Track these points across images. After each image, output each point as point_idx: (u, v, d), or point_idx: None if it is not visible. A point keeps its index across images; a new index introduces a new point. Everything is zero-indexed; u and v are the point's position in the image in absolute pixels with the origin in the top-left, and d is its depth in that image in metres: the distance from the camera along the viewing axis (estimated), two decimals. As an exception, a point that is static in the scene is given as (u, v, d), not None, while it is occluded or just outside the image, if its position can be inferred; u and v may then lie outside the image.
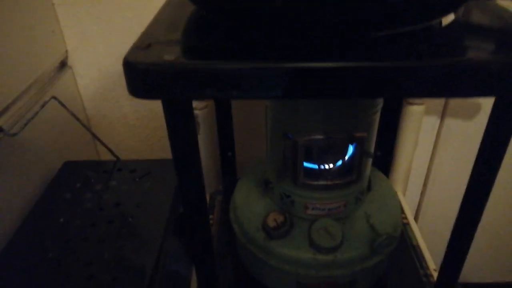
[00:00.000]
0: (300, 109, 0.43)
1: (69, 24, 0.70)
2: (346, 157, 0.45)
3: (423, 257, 0.64)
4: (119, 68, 0.76)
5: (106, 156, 0.80)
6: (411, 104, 0.69)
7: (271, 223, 0.50)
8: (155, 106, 0.80)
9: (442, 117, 0.81)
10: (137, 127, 0.83)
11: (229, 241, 0.63)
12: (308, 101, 0.42)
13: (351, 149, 0.45)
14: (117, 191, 0.63)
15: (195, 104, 0.68)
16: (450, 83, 0.27)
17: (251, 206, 0.54)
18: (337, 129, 0.43)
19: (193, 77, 0.27)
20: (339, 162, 0.46)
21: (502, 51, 0.28)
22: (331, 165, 0.46)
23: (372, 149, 0.47)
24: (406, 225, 0.70)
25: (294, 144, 0.44)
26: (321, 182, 0.47)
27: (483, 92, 0.28)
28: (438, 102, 0.78)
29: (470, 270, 1.06)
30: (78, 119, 0.64)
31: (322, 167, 0.46)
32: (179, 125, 0.31)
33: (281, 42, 0.29)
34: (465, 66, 0.27)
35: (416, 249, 0.65)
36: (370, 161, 0.49)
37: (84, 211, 0.59)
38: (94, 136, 0.67)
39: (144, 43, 0.30)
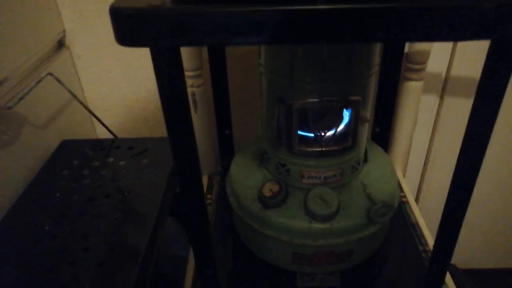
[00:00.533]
0: (295, 72, 0.42)
1: (66, 3, 0.70)
2: (341, 122, 0.45)
3: (422, 234, 0.64)
4: (117, 49, 0.77)
5: (104, 136, 0.80)
6: (409, 80, 0.68)
7: (266, 192, 0.49)
8: (154, 87, 0.80)
9: (441, 96, 0.80)
10: (136, 109, 0.83)
11: (226, 220, 0.63)
12: (303, 62, 0.41)
13: (346, 114, 0.45)
14: (114, 168, 0.63)
15: (191, 81, 0.68)
16: (443, 25, 0.27)
17: (247, 179, 0.53)
18: (332, 92, 0.43)
19: (180, 22, 0.27)
20: (334, 128, 0.45)
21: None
22: (326, 131, 0.45)
23: (367, 115, 0.47)
24: (405, 203, 0.70)
25: (288, 108, 0.44)
26: (316, 149, 0.46)
27: (477, 35, 0.27)
28: (437, 80, 0.78)
29: (467, 256, 1.06)
30: (74, 95, 0.64)
31: (317, 132, 0.45)
32: (168, 75, 0.31)
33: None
34: (459, 7, 0.26)
35: (415, 226, 0.65)
36: (366, 128, 0.48)
37: (81, 187, 0.60)
38: (91, 113, 0.67)
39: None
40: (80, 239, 0.51)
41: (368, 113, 0.47)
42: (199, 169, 0.40)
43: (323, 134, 0.45)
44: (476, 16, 0.27)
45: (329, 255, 0.50)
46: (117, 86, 0.80)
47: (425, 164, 0.88)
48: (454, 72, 0.77)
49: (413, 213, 0.68)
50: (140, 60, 0.78)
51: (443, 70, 0.77)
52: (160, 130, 0.84)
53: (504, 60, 0.30)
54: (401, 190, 0.73)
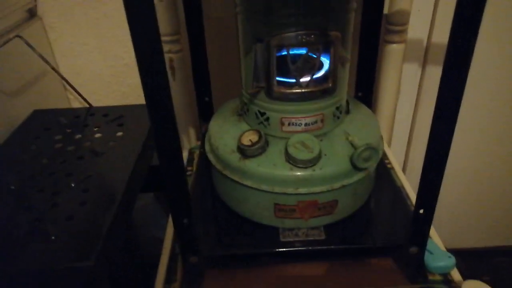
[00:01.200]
0: (272, 5, 0.41)
1: (37, -31, 0.68)
2: (320, 62, 0.43)
3: (408, 196, 0.62)
4: (92, 19, 0.74)
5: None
6: (390, 43, 0.67)
7: (245, 141, 0.47)
8: (132, 61, 0.78)
9: (424, 65, 0.80)
10: (113, 84, 0.81)
11: (207, 187, 0.60)
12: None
13: (325, 53, 0.43)
14: (88, 133, 0.60)
15: (169, 47, 0.66)
16: None
17: (226, 132, 0.51)
18: (310, 26, 0.41)
19: None
20: (314, 66, 0.43)
21: None
22: (305, 70, 0.44)
23: (348, 55, 0.45)
24: (391, 169, 0.68)
25: (266, 46, 0.42)
26: (296, 90, 0.45)
27: None
28: (419, 47, 0.77)
29: (452, 236, 1.05)
30: (45, 61, 0.62)
31: (296, 72, 0.44)
32: (143, 25, 0.30)
33: None
34: None
35: (401, 189, 0.63)
36: (346, 70, 0.47)
37: (53, 150, 0.57)
38: (64, 79, 0.64)
39: None
40: (49, 196, 0.48)
41: (348, 53, 0.46)
42: (177, 132, 0.38)
43: (302, 74, 0.44)
44: None
45: (312, 206, 0.48)
46: (92, 60, 0.78)
47: (410, 137, 0.87)
48: (436, 39, 0.77)
49: (398, 178, 0.66)
50: (116, 32, 0.75)
51: (424, 36, 0.77)
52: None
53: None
54: (386, 157, 0.71)
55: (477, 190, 0.99)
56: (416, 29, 0.75)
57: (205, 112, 0.70)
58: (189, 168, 0.72)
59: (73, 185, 0.50)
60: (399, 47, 0.68)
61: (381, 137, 0.53)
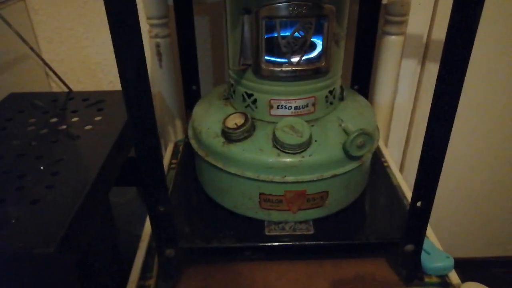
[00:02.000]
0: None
1: None
2: (313, 36, 0.40)
3: (404, 195, 0.59)
4: (79, 2, 0.71)
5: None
6: (389, 34, 0.64)
7: (230, 124, 0.44)
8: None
9: (423, 62, 0.77)
10: (99, 72, 0.77)
11: (191, 179, 0.57)
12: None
13: (318, 28, 0.40)
14: (65, 116, 0.57)
15: (156, 31, 0.62)
16: None
17: (210, 116, 0.48)
18: (302, -3, 0.38)
19: None
20: (305, 41, 0.40)
21: None
22: (296, 45, 0.40)
23: (343, 33, 0.42)
24: (387, 168, 0.65)
25: (255, 17, 0.39)
26: (286, 68, 0.41)
27: None
28: (418, 44, 0.74)
29: (450, 246, 1.01)
30: (24, 40, 0.58)
31: (286, 47, 0.40)
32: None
33: None
34: None
35: (397, 188, 0.60)
36: (341, 49, 0.44)
37: (26, 132, 0.53)
38: (44, 61, 0.61)
39: None
40: (15, 179, 0.44)
41: (343, 30, 0.42)
42: (154, 118, 0.35)
43: (292, 50, 0.40)
44: None
45: (301, 197, 0.44)
46: (78, 46, 0.74)
47: (408, 136, 0.83)
48: (436, 36, 0.74)
49: (395, 176, 0.63)
50: (103, 17, 0.72)
51: (424, 33, 0.74)
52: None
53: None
54: (383, 156, 0.68)
55: (475, 200, 0.96)
56: (416, 24, 0.72)
57: (192, 102, 0.66)
58: (173, 161, 0.68)
59: (42, 167, 0.46)
60: (398, 39, 0.65)
61: (377, 128, 0.50)
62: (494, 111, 0.83)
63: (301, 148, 0.42)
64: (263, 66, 0.41)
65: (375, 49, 0.64)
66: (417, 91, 0.80)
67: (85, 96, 0.61)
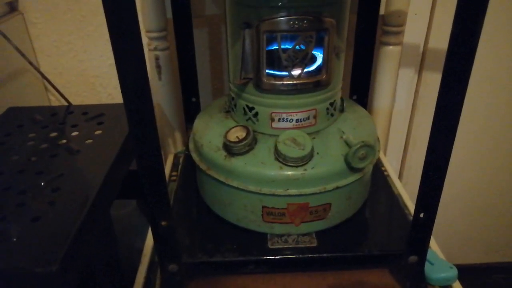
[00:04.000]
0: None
1: (19, -39, 0.65)
2: (313, 49, 0.40)
3: (405, 205, 0.59)
4: (77, 16, 0.71)
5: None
6: (387, 44, 0.65)
7: (232, 138, 0.44)
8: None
9: (420, 71, 0.77)
10: (98, 85, 0.77)
11: (192, 192, 0.56)
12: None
13: (318, 41, 0.40)
14: (65, 130, 0.56)
15: (155, 44, 0.63)
16: None
17: (211, 129, 0.48)
18: (302, 10, 0.38)
19: None
20: (306, 55, 0.40)
21: None
22: (297, 58, 0.40)
23: (343, 45, 0.42)
24: (387, 177, 0.65)
25: (256, 32, 0.39)
26: (287, 82, 0.41)
27: None
28: (415, 53, 0.75)
29: (449, 252, 1.01)
30: (22, 54, 0.58)
31: (287, 61, 0.40)
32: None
33: None
34: None
35: (398, 197, 0.60)
36: (341, 62, 0.44)
37: (26, 147, 0.52)
38: (43, 75, 0.60)
39: None
40: (15, 195, 0.44)
41: (343, 43, 0.43)
42: (156, 132, 0.35)
43: (293, 63, 0.40)
44: None
45: (304, 210, 0.44)
46: (76, 59, 0.74)
47: (406, 145, 0.84)
48: (432, 44, 0.74)
49: (395, 186, 0.63)
50: (103, 30, 0.72)
51: (420, 42, 0.74)
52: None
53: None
54: (383, 165, 0.68)
55: (475, 207, 0.96)
56: (413, 34, 0.73)
57: (191, 114, 0.66)
58: (174, 173, 0.68)
59: (42, 183, 0.45)
60: (395, 49, 0.65)
61: (378, 138, 0.50)
62: (494, 118, 0.83)
63: (303, 161, 0.42)
64: (264, 79, 0.42)
65: (373, 59, 0.64)
66: (415, 99, 0.80)
67: (85, 110, 0.61)
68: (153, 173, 0.37)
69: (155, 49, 0.63)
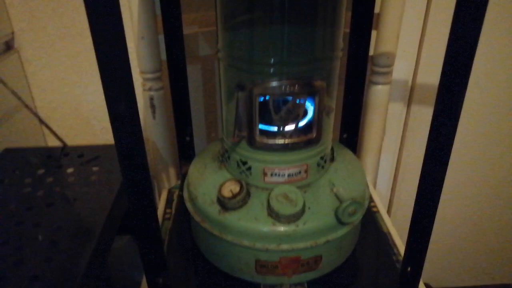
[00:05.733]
0: (254, 53, 0.39)
1: (15, 2, 0.66)
2: (305, 111, 0.42)
3: (394, 244, 0.60)
4: (71, 52, 0.72)
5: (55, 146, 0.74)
6: (376, 84, 0.67)
7: (226, 193, 0.45)
8: (111, 96, 0.75)
9: (408, 104, 0.79)
10: (92, 119, 0.78)
11: (186, 234, 0.58)
12: (263, 42, 0.38)
13: (309, 102, 0.42)
14: (61, 175, 0.57)
15: (150, 84, 0.64)
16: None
17: (205, 180, 0.49)
18: (294, 75, 0.39)
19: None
20: (297, 117, 0.42)
21: None
22: (289, 120, 0.42)
23: (333, 104, 0.44)
24: (376, 213, 0.67)
25: (249, 95, 0.40)
26: (279, 141, 0.43)
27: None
28: (403, 89, 0.77)
29: (441, 275, 1.03)
30: (19, 98, 0.59)
31: (279, 122, 0.42)
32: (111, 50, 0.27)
33: None
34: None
35: (387, 236, 0.61)
36: (331, 119, 0.45)
37: (22, 195, 0.53)
38: (37, 116, 0.61)
39: None
40: (13, 251, 0.45)
41: (333, 102, 0.44)
42: (149, 177, 0.36)
43: (285, 124, 0.42)
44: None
45: (295, 263, 0.45)
46: (70, 94, 0.75)
47: (395, 176, 0.86)
48: (420, 79, 0.76)
49: (384, 222, 0.65)
50: (96, 66, 0.73)
51: (409, 77, 0.76)
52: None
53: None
54: (372, 199, 0.69)
55: (465, 228, 0.98)
56: (401, 70, 0.75)
57: (185, 152, 0.67)
58: (168, 210, 0.69)
59: (40, 237, 0.46)
60: (384, 88, 0.67)
61: (367, 186, 0.51)
62: (483, 150, 0.86)
63: (295, 217, 0.43)
64: (257, 138, 0.43)
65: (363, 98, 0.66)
66: (404, 131, 0.82)
67: (80, 152, 0.62)
68: (149, 237, 0.38)
69: (150, 89, 0.64)
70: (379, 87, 0.67)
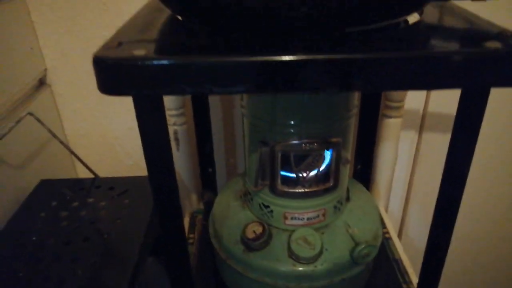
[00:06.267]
0: (276, 115, 0.43)
1: (48, 42, 0.71)
2: (323, 164, 0.45)
3: (405, 271, 0.64)
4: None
5: (84, 175, 0.78)
6: (388, 117, 0.70)
7: (249, 234, 0.49)
8: (135, 124, 0.79)
9: (420, 131, 0.82)
10: (116, 146, 0.82)
11: (209, 259, 0.62)
12: (284, 106, 0.42)
13: (327, 154, 0.45)
14: (94, 209, 0.62)
15: (174, 120, 0.68)
16: (417, 75, 0.28)
17: (230, 219, 0.53)
18: (313, 134, 0.43)
19: (163, 71, 0.27)
20: (316, 169, 0.45)
21: (465, 45, 0.29)
22: (308, 172, 0.45)
23: (348, 156, 0.47)
24: (389, 239, 0.70)
25: (271, 151, 0.44)
26: (299, 190, 0.46)
27: (449, 84, 0.28)
28: (415, 116, 0.80)
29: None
30: (54, 135, 0.63)
31: (299, 174, 0.45)
32: (151, 123, 0.31)
33: (255, 38, 0.30)
34: (431, 58, 0.27)
35: (398, 263, 0.65)
36: (347, 168, 0.49)
37: (59, 229, 0.58)
38: (72, 152, 0.66)
39: (115, 42, 0.30)
40: (55, 286, 0.49)
41: (349, 153, 0.48)
42: (180, 211, 0.40)
43: (305, 175, 0.45)
44: (448, 66, 0.28)
45: (314, 298, 0.49)
46: (97, 123, 0.80)
47: (407, 200, 0.89)
48: (431, 108, 0.79)
49: (396, 249, 0.68)
50: (121, 99, 0.77)
51: (420, 107, 0.79)
52: (141, 167, 0.83)
53: (475, 105, 0.32)
54: (384, 226, 0.73)
55: (472, 249, 1.00)
56: (413, 99, 0.78)
57: (208, 183, 0.71)
58: (191, 235, 0.73)
59: (79, 272, 0.50)
60: (397, 121, 0.70)
61: (380, 224, 0.55)
62: (489, 177, 0.88)
63: (314, 259, 0.47)
64: (279, 187, 0.47)
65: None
66: (415, 157, 0.85)
67: (111, 184, 0.66)
68: (182, 275, 0.42)
69: (174, 124, 0.68)
70: (392, 120, 0.70)
